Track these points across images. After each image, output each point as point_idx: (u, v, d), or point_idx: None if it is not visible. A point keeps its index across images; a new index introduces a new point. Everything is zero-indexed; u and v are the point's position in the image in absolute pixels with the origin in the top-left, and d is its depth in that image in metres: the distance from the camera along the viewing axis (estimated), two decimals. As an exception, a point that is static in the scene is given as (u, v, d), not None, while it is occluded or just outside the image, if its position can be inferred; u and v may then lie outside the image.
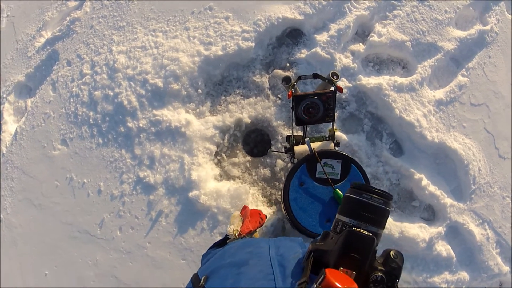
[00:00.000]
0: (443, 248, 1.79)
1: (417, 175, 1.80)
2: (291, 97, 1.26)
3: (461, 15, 2.14)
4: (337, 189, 1.25)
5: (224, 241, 0.92)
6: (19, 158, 2.06)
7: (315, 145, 1.32)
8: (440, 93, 1.97)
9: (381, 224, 0.58)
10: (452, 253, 1.79)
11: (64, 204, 1.89)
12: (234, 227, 0.95)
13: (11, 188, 2.03)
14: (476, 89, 2.00)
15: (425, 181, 1.80)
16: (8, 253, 1.95)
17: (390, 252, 0.55)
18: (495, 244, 1.88)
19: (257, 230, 1.20)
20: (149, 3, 2.09)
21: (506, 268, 1.87)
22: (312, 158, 1.28)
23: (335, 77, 1.27)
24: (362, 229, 0.55)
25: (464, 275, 1.80)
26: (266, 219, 1.27)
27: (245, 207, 1.26)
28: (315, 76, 1.29)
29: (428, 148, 1.87)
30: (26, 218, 1.96)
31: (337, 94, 1.27)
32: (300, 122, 1.31)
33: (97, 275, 1.76)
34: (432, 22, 2.04)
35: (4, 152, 2.10)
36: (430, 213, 1.86)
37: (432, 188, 1.81)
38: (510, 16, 2.18)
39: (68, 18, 2.22)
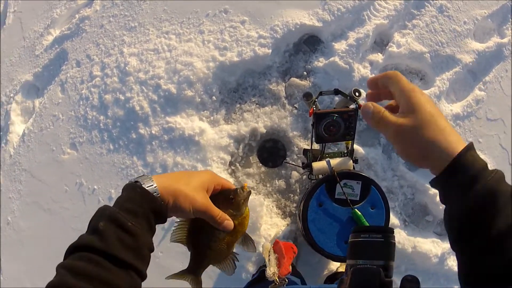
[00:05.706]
0: (455, 264, 1.78)
1: (432, 190, 1.78)
2: (312, 115, 1.22)
3: (479, 26, 2.08)
4: (355, 209, 1.23)
5: (261, 278, 0.90)
6: (27, 160, 2.02)
7: (334, 162, 1.29)
8: (457, 107, 1.94)
9: (385, 256, 0.64)
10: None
11: (74, 209, 1.86)
12: (273, 269, 0.94)
13: (19, 191, 2.00)
14: (492, 103, 1.96)
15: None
16: (14, 255, 1.93)
17: (404, 277, 0.60)
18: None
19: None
20: (162, 3, 2.02)
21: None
22: (331, 178, 1.25)
23: (357, 94, 1.23)
24: (368, 265, 0.61)
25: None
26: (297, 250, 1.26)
27: (277, 242, 1.23)
28: (337, 92, 1.24)
29: (443, 162, 1.85)
30: (34, 222, 1.93)
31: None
32: (320, 139, 1.27)
33: (107, 283, 1.75)
34: (451, 34, 1.99)
35: (12, 153, 2.06)
36: (443, 228, 1.85)
37: (446, 202, 1.79)
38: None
39: (77, 16, 2.15)
